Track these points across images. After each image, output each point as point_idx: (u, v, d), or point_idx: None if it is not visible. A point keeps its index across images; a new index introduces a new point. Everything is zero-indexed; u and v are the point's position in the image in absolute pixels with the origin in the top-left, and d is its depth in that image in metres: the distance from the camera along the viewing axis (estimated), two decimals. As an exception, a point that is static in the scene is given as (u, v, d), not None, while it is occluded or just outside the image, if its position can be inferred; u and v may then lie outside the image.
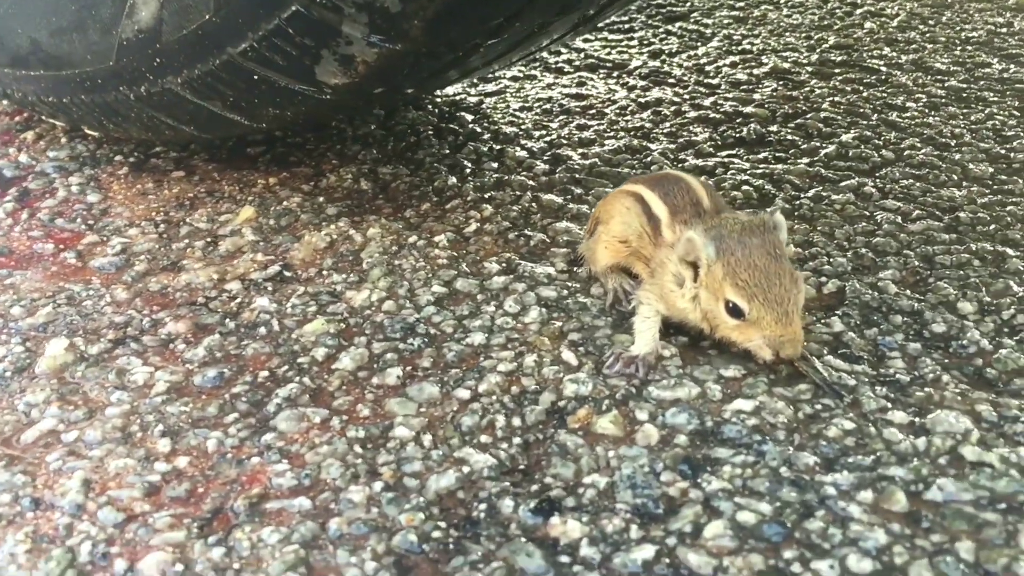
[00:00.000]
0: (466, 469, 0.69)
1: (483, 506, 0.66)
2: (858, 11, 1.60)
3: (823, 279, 0.89)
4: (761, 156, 1.13)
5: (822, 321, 0.83)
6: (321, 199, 1.05)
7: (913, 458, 0.69)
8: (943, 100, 1.25)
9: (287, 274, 0.92)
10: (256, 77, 0.93)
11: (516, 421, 0.73)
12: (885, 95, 1.27)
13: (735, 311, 0.75)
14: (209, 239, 0.99)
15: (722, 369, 0.78)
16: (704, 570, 0.60)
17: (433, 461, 0.70)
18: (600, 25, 1.57)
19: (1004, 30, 1.47)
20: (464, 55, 0.96)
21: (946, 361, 0.78)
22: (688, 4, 1.66)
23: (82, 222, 1.02)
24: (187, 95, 0.98)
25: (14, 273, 0.93)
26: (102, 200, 1.07)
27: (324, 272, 0.93)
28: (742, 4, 1.66)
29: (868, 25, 1.53)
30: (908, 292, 0.87)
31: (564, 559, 0.62)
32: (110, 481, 0.68)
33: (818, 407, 0.74)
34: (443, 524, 0.64)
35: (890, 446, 0.70)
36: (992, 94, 1.25)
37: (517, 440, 0.71)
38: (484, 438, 0.72)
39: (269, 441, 0.72)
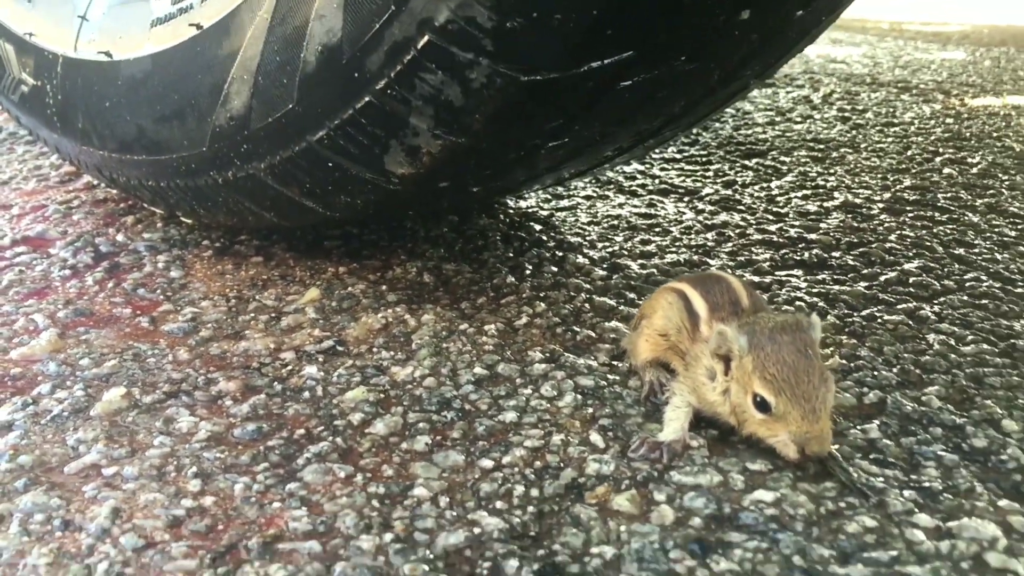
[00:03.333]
0: (477, 530, 0.69)
1: (488, 564, 0.66)
2: (938, 158, 1.61)
3: (864, 390, 0.88)
4: (819, 278, 1.13)
5: (858, 427, 0.82)
6: (384, 287, 1.10)
7: (935, 559, 0.66)
8: (1014, 240, 1.24)
9: (339, 348, 0.96)
10: (331, 164, 0.99)
11: (534, 492, 0.74)
12: (955, 232, 1.27)
13: (762, 405, 0.75)
14: (273, 314, 1.04)
15: (748, 462, 0.77)
16: (699, 643, 0.59)
17: (446, 520, 0.71)
18: (677, 156, 1.62)
19: (1086, 181, 1.46)
20: (526, 155, 1.01)
21: (983, 474, 0.76)
22: (768, 144, 1.70)
23: (161, 293, 1.09)
24: (269, 181, 1.05)
25: (91, 330, 0.99)
26: (183, 276, 1.14)
27: (375, 349, 0.96)
28: (821, 146, 1.69)
29: (947, 171, 1.54)
30: (951, 407, 0.85)
31: (559, 620, 0.61)
32: (138, 511, 0.71)
33: (842, 504, 0.72)
34: (445, 577, 0.65)
35: (911, 546, 0.68)
36: (1065, 237, 1.24)
37: (532, 509, 0.72)
38: (500, 504, 0.72)
39: (293, 490, 0.74)
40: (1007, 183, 1.47)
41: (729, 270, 1.15)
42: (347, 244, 1.23)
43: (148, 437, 0.81)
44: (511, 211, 1.36)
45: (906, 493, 0.74)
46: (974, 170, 1.54)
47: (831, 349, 0.96)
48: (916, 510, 0.72)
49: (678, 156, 1.63)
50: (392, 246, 1.23)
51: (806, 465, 0.76)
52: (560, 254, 1.20)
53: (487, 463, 0.77)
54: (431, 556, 0.67)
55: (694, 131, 1.75)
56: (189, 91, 1.06)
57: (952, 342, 0.97)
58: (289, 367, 0.93)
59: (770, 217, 1.34)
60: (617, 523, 0.70)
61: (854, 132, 1.79)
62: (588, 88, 0.90)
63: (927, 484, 0.75)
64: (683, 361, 0.85)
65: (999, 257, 1.19)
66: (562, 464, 0.77)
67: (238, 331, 1.00)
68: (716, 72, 1.01)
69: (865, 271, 1.15)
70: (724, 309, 0.84)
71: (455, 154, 0.94)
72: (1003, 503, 0.73)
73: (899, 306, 1.06)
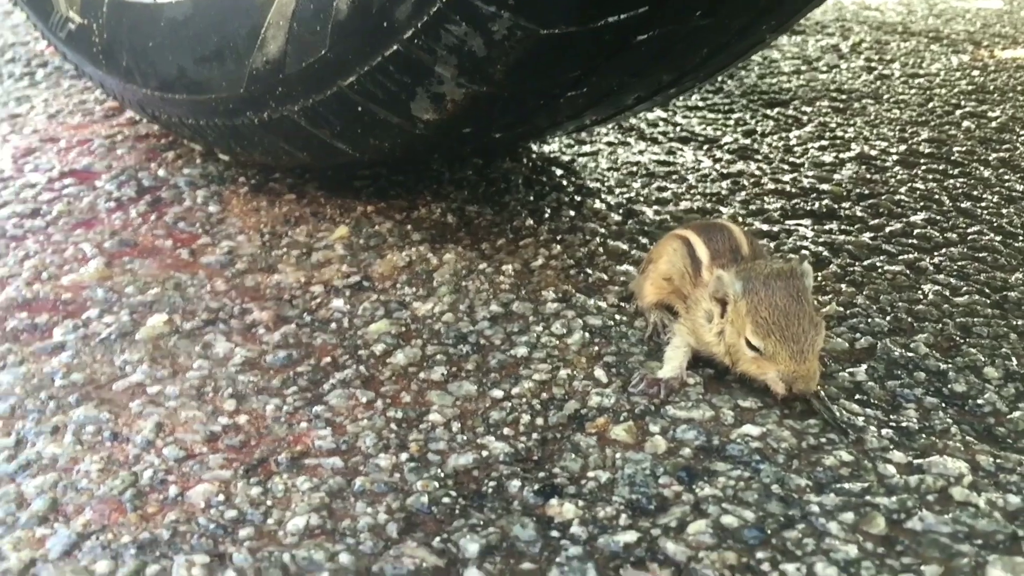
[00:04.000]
0: (484, 453, 0.76)
1: (492, 483, 0.73)
2: (958, 111, 1.64)
3: (856, 335, 0.93)
4: (827, 227, 1.18)
5: (847, 370, 0.88)
6: (409, 227, 1.16)
7: (903, 492, 0.72)
8: (1021, 195, 1.28)
9: (365, 284, 1.03)
10: (360, 109, 1.05)
11: (539, 421, 0.80)
12: (964, 186, 1.31)
13: (753, 345, 0.81)
14: (304, 250, 1.10)
15: (740, 399, 0.83)
16: (679, 557, 0.66)
17: (457, 443, 0.77)
18: (700, 104, 1.66)
19: (1103, 138, 1.48)
20: (547, 103, 1.06)
21: (959, 416, 0.82)
22: (791, 93, 1.73)
23: (200, 227, 1.15)
24: (302, 123, 1.11)
25: (135, 260, 1.07)
26: (221, 211, 1.20)
27: (398, 285, 1.03)
28: (844, 97, 1.71)
29: (966, 124, 1.57)
30: (938, 355, 0.90)
31: (554, 534, 0.68)
32: (179, 427, 0.79)
33: (823, 440, 0.78)
34: (454, 493, 0.72)
35: (883, 480, 0.74)
36: (1073, 193, 1.27)
37: (536, 436, 0.79)
38: (507, 431, 0.79)
39: (319, 412, 0.81)
40: (1023, 139, 1.50)
41: (738, 218, 1.19)
42: (375, 184, 1.29)
43: (188, 360, 0.88)
44: (534, 155, 1.40)
45: (884, 431, 0.79)
46: (992, 124, 1.57)
47: (830, 296, 1.01)
48: (891, 447, 0.77)
49: (701, 104, 1.66)
50: (418, 187, 1.28)
51: (793, 403, 0.82)
52: (579, 199, 1.26)
53: (497, 393, 0.84)
54: (442, 475, 0.74)
55: (719, 79, 1.78)
56: (228, 34, 1.12)
57: (947, 293, 1.02)
58: (318, 300, 0.99)
59: (785, 167, 1.38)
60: (613, 451, 0.77)
61: (878, 83, 1.81)
62: (605, 42, 0.94)
63: (905, 424, 0.80)
64: (685, 304, 0.91)
65: (1004, 212, 1.22)
66: (567, 396, 0.84)
67: (271, 265, 1.07)
68: (732, 26, 1.05)
69: (872, 222, 1.20)
70: (725, 256, 0.89)
71: (478, 102, 0.99)
72: (974, 443, 0.78)
73: (900, 257, 1.10)
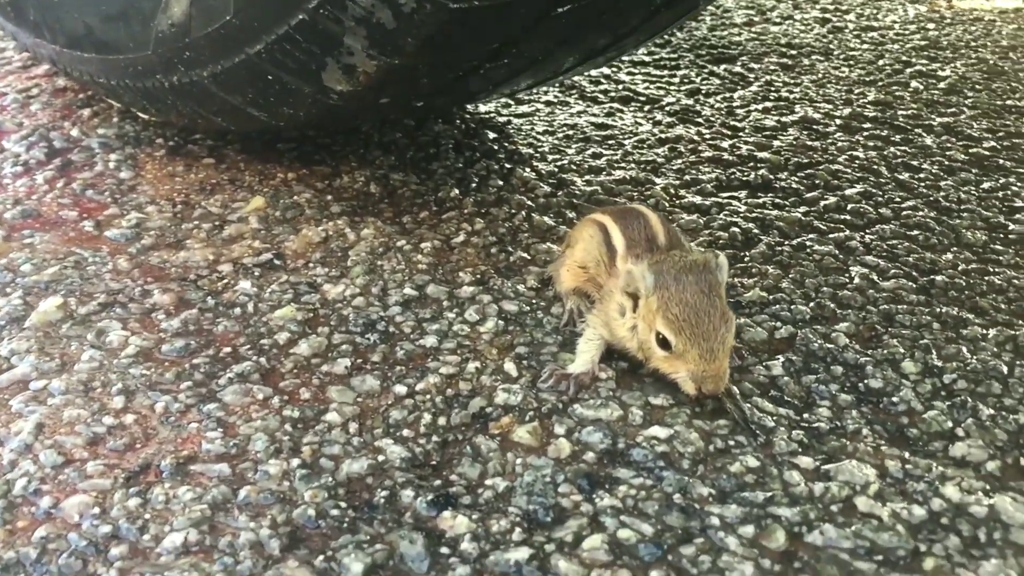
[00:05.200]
0: (380, 458, 0.73)
1: (385, 493, 0.70)
2: (908, 69, 1.60)
3: (777, 324, 0.91)
4: (760, 201, 1.15)
5: (763, 363, 0.85)
6: (329, 197, 1.12)
7: (806, 502, 0.71)
8: (961, 166, 1.25)
9: (277, 262, 0.99)
10: (271, 77, 0.99)
11: (441, 421, 0.78)
12: (905, 155, 1.28)
13: (664, 343, 0.78)
14: (217, 223, 1.06)
15: (651, 396, 0.81)
16: (569, 577, 0.64)
17: (352, 447, 0.74)
18: (647, 59, 1.61)
19: (1051, 102, 1.46)
20: (465, 75, 1.01)
21: (872, 416, 0.80)
22: (740, 48, 1.68)
23: (109, 195, 1.10)
24: (213, 88, 1.06)
25: (36, 234, 1.02)
26: (133, 177, 1.15)
27: (311, 264, 0.99)
28: (793, 52, 1.67)
29: (914, 84, 1.53)
30: (857, 346, 0.88)
31: (444, 550, 0.66)
32: (61, 428, 0.75)
33: (731, 443, 0.76)
34: (344, 504, 0.69)
35: (787, 488, 0.72)
36: (1013, 163, 1.25)
37: (436, 438, 0.76)
38: (406, 432, 0.76)
39: (211, 411, 0.78)
40: (970, 101, 1.47)
41: (671, 190, 1.16)
42: (300, 148, 1.24)
43: (79, 350, 0.84)
44: (468, 116, 1.36)
45: (794, 433, 0.77)
46: (941, 85, 1.53)
47: (755, 280, 0.98)
48: (800, 451, 0.75)
49: (647, 59, 1.61)
50: (344, 151, 1.23)
51: (704, 401, 0.80)
52: (509, 167, 1.21)
53: (401, 389, 0.81)
54: (333, 483, 0.71)
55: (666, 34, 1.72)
56: (132, -7, 1.06)
57: (873, 276, 0.99)
58: (225, 280, 0.95)
59: (725, 131, 1.34)
60: (515, 455, 0.74)
61: (830, 36, 1.76)
62: (520, 15, 0.89)
63: (816, 424, 0.78)
64: (600, 294, 0.88)
65: (942, 184, 1.20)
66: (473, 392, 0.81)
67: (180, 240, 1.02)
68: (659, -5, 1.00)
69: (807, 195, 1.17)
70: (640, 245, 0.86)
71: (391, 74, 0.95)
72: (884, 447, 0.76)
73: (831, 235, 1.07)
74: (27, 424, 0.75)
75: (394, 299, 0.93)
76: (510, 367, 0.84)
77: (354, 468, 0.72)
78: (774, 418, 0.79)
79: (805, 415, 0.80)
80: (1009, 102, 1.46)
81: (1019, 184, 1.19)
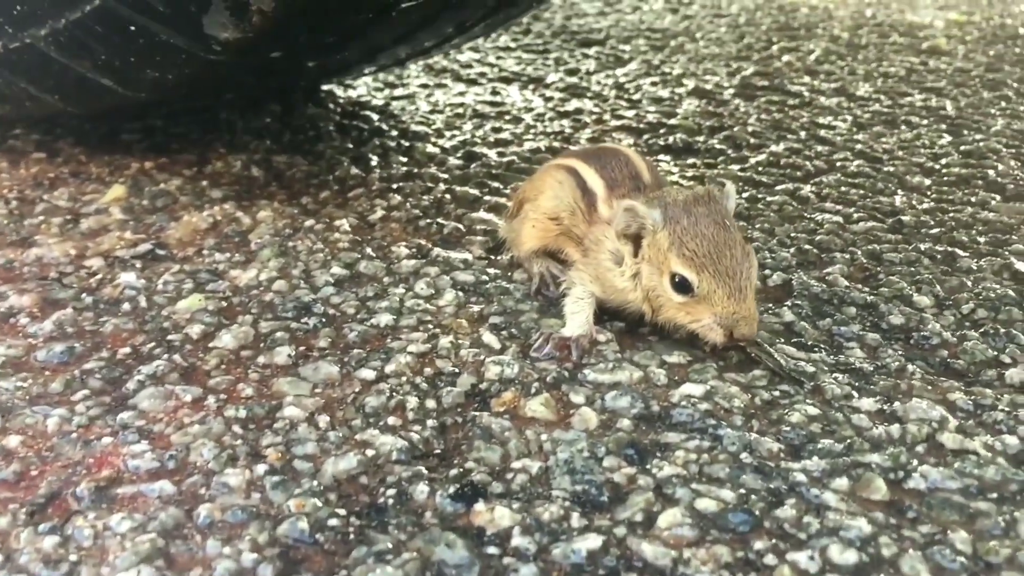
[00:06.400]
0: (370, 452, 0.57)
1: (392, 492, 0.54)
2: (775, 46, 1.57)
3: (767, 271, 0.81)
4: (689, 162, 1.05)
5: (771, 311, 0.75)
6: (205, 183, 0.93)
7: (888, 445, 0.60)
8: (869, 121, 1.21)
9: (160, 252, 0.80)
10: (133, 28, 0.81)
11: (430, 403, 0.62)
12: (811, 115, 1.23)
13: (682, 285, 0.66)
14: (69, 217, 0.85)
15: (665, 355, 0.68)
16: (661, 562, 0.50)
17: (330, 443, 0.57)
18: (512, 44, 1.50)
19: (921, 68, 1.46)
20: (377, 17, 0.86)
21: (908, 352, 0.70)
22: (603, 33, 1.61)
23: (-82, 197, 0.88)
24: (52, 52, 0.86)
25: None
26: (-55, 177, 0.92)
27: (205, 252, 0.80)
28: (658, 36, 1.61)
29: (786, 58, 1.50)
30: (859, 286, 0.79)
31: (492, 550, 0.50)
32: (-85, 461, 0.54)
33: (776, 393, 0.64)
34: (342, 511, 0.52)
35: (861, 432, 0.61)
36: (918, 119, 1.22)
37: (432, 423, 0.60)
38: (392, 420, 0.60)
39: (126, 420, 0.58)
40: (847, 69, 1.45)
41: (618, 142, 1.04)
42: (150, 138, 1.05)
43: (-80, 367, 0.62)
44: (341, 100, 1.20)
45: (838, 376, 0.66)
46: (812, 57, 1.51)
47: (721, 232, 0.88)
48: (855, 394, 0.64)
49: (513, 45, 1.51)
50: (206, 139, 1.05)
51: (727, 353, 0.68)
52: (406, 144, 1.07)
53: (367, 374, 0.64)
54: (319, 486, 0.54)
55: (523, 21, 1.63)
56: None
57: (841, 220, 0.91)
58: (99, 276, 0.76)
59: (623, 103, 1.25)
60: (535, 432, 0.59)
61: (686, 22, 1.72)
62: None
63: (857, 366, 0.68)
64: (579, 247, 0.75)
65: (860, 137, 1.15)
66: (457, 370, 0.65)
67: (25, 237, 0.81)
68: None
69: (733, 154, 1.08)
70: (624, 186, 0.74)
71: (292, 10, 0.79)
72: (938, 380, 0.67)
73: (778, 187, 0.99)
74: None
75: (323, 280, 0.76)
76: (490, 339, 0.69)
77: (341, 467, 0.55)
78: (809, 363, 0.68)
79: (840, 357, 0.69)
80: (882, 68, 1.45)
81: (932, 135, 1.16)
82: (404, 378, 0.64)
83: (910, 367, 0.68)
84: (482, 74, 1.34)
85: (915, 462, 0.58)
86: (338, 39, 0.89)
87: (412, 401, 0.62)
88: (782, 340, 0.71)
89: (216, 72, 0.87)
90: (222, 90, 1.05)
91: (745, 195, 0.97)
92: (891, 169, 1.05)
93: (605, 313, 0.72)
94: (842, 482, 0.56)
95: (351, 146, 1.05)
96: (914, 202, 0.96)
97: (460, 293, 0.75)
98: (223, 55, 0.83)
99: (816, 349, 0.70)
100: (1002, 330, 0.73)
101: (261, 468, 0.55)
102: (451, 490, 0.54)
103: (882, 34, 1.68)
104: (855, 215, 0.93)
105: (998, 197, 0.98)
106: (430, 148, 1.05)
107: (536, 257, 0.78)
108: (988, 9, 2.00)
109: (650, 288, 0.68)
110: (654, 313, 0.69)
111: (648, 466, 0.57)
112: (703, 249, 0.65)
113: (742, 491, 0.55)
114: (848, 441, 0.60)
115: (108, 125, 1.05)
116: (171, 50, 0.83)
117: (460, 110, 1.19)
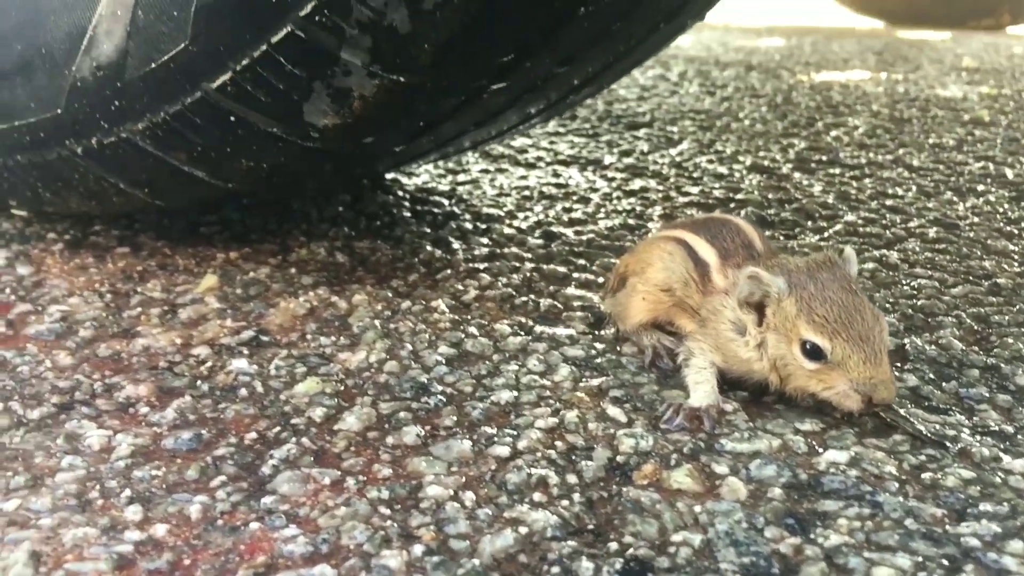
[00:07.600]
0: (523, 529, 0.55)
1: (556, 569, 0.52)
2: (819, 123, 1.59)
3: (878, 336, 0.80)
4: (767, 234, 1.05)
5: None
6: (293, 270, 0.93)
7: (1052, 506, 0.58)
8: (934, 190, 1.21)
9: (264, 339, 0.79)
10: (233, 119, 0.82)
11: (571, 478, 0.60)
12: (874, 185, 1.23)
13: (814, 352, 0.65)
14: (166, 307, 0.85)
15: (797, 423, 0.67)
16: (856, 633, 0.48)
17: (481, 521, 0.56)
18: (561, 130, 1.52)
19: (969, 138, 1.47)
20: (468, 100, 0.87)
21: (1043, 411, 0.69)
22: (648, 115, 1.63)
23: (12, 293, 0.87)
24: (147, 146, 0.86)
25: (-71, 341, 0.77)
26: (35, 273, 0.92)
27: (308, 336, 0.79)
28: (703, 116, 1.63)
29: (834, 133, 1.52)
30: (975, 348, 0.78)
31: (675, 627, 0.48)
32: (66, 554, 0.52)
33: (922, 458, 0.63)
34: (510, 591, 0.50)
35: (1021, 495, 0.59)
36: (983, 186, 1.22)
37: (578, 497, 0.58)
38: (537, 496, 0.58)
39: (269, 505, 0.57)
40: (897, 141, 1.46)
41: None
42: (229, 230, 1.05)
43: (50, 459, 0.61)
44: (409, 188, 1.21)
45: (980, 438, 0.65)
46: (859, 131, 1.53)
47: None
48: (1002, 456, 0.63)
49: (562, 130, 1.53)
50: (284, 228, 1.05)
51: (862, 419, 0.66)
52: (483, 225, 1.07)
53: (501, 450, 0.63)
54: (481, 566, 0.52)
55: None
56: (38, 37, 0.86)
57: (938, 285, 0.91)
58: (208, 363, 0.75)
59: (686, 180, 1.25)
60: (686, 503, 0.58)
61: (726, 103, 1.75)
62: (554, 7, 0.78)
63: (996, 428, 0.67)
64: (692, 318, 0.74)
65: (930, 205, 1.15)
66: (589, 444, 0.64)
67: (127, 328, 0.81)
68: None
69: (809, 224, 1.09)
70: (737, 255, 0.73)
71: (392, 97, 0.79)
72: (1082, 439, 0.65)
73: (864, 254, 0.99)
74: (19, 555, 0.51)
75: (432, 359, 0.75)
76: (615, 412, 0.68)
77: (498, 545, 0.53)
78: (946, 427, 0.66)
79: (976, 419, 0.68)
80: (931, 139, 1.46)
81: (999, 201, 1.16)
82: (539, 453, 0.63)
83: (1049, 427, 0.67)
84: (539, 158, 1.36)
85: (1085, 522, 0.56)
86: (427, 124, 0.90)
87: (553, 477, 0.60)
88: (911, 404, 0.69)
89: (305, 160, 0.87)
90: (305, 179, 1.06)
91: (833, 264, 0.96)
92: (971, 235, 1.05)
93: (726, 383, 0.71)
94: (1018, 545, 0.54)
95: (428, 230, 1.05)
96: (1004, 265, 0.96)
97: (574, 368, 0.74)
98: (319, 142, 0.83)
99: (949, 412, 0.69)
100: None
101: (418, 549, 0.53)
102: (617, 566, 0.52)
103: (921, 108, 1.70)
104: (949, 279, 0.92)
105: (1086, 257, 0.97)
106: (507, 229, 1.05)
107: (645, 330, 0.77)
108: (1014, 83, 2.03)
109: (777, 356, 0.67)
110: (782, 382, 0.68)
111: (812, 535, 0.55)
112: (833, 314, 0.65)
113: (918, 558, 0.53)
114: (1012, 503, 0.58)
115: (186, 219, 1.06)
116: (268, 139, 0.83)
117: (527, 192, 1.19)
